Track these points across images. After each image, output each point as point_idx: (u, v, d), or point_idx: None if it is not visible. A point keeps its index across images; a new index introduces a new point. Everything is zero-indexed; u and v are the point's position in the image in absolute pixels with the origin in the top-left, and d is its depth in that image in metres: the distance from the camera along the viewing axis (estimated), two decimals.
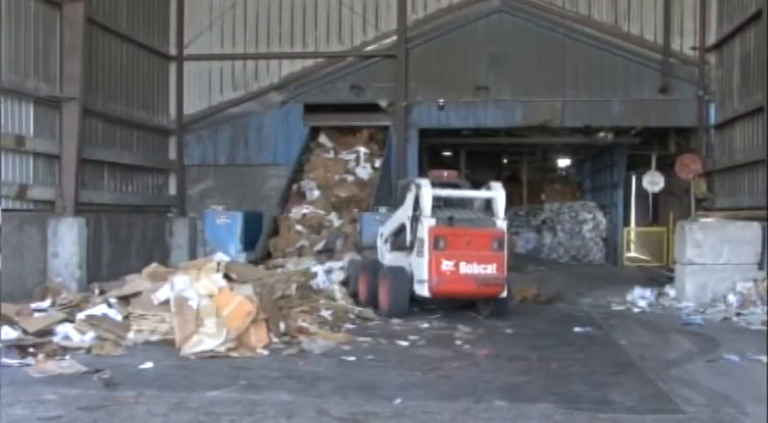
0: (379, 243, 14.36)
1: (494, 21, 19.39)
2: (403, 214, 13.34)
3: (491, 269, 12.21)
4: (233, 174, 20.06)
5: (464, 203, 13.62)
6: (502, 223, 12.79)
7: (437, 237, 12.21)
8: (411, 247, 12.78)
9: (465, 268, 12.11)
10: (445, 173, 14.29)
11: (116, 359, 9.17)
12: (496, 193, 13.08)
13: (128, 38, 17.81)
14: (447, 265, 12.09)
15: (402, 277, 12.68)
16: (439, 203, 13.04)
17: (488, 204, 13.29)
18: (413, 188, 13.01)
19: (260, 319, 9.89)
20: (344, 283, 14.61)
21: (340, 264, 15.65)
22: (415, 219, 12.73)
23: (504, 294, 12.55)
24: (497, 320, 12.37)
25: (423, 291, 12.27)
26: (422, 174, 20.93)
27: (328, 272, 15.21)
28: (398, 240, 13.65)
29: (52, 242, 14.49)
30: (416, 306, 12.98)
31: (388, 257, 13.89)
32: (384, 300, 12.71)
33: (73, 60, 15.10)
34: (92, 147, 16.13)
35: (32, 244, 14.07)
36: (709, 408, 7.20)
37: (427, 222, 12.30)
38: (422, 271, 12.24)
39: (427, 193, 12.53)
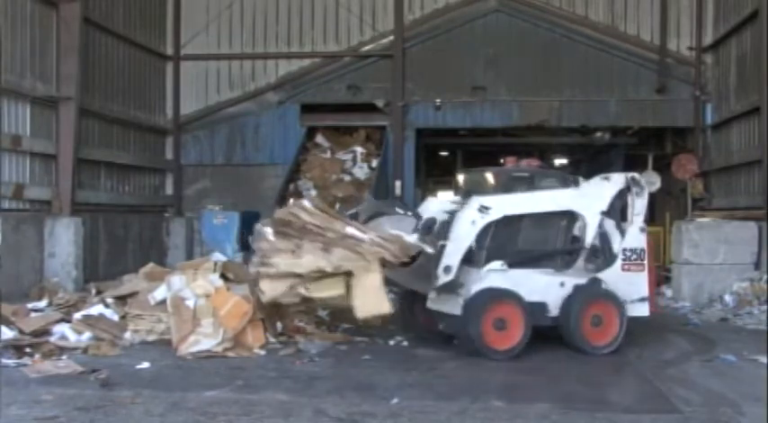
0: (454, 256, 9.37)
1: (491, 21, 19.37)
2: (575, 207, 10.15)
3: None
4: (230, 174, 20.02)
5: None
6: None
7: (650, 246, 10.47)
8: (610, 261, 10.15)
9: None
10: (530, 162, 11.45)
11: (113, 359, 9.17)
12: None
13: (124, 38, 17.76)
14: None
15: None
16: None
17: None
18: (614, 180, 10.45)
19: (257, 318, 9.90)
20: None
21: None
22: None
23: None
24: None
25: (640, 310, 10.23)
26: (418, 173, 21.01)
27: None
28: (526, 251, 10.08)
29: (49, 242, 14.46)
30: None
31: (495, 277, 9.60)
32: None
33: (69, 60, 15.07)
34: (88, 147, 16.09)
35: (29, 244, 14.04)
36: (705, 408, 7.23)
37: (640, 228, 10.32)
38: (640, 287, 10.19)
39: (646, 195, 10.54)
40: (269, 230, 9.08)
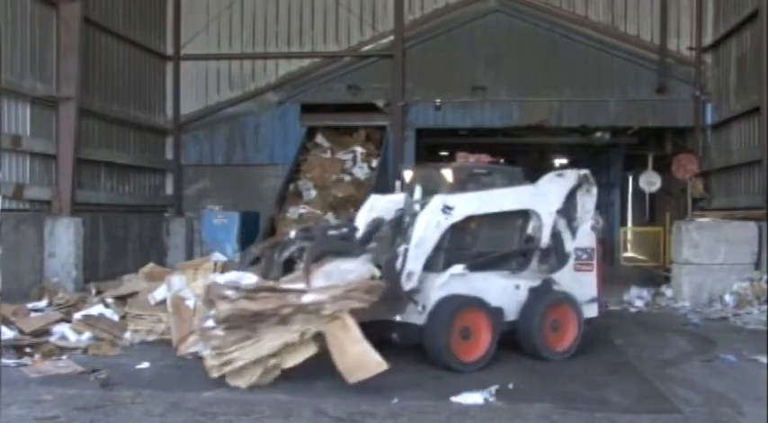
0: (418, 262, 8.74)
1: (491, 21, 19.37)
2: (539, 210, 9.81)
3: None
4: (230, 174, 20.03)
5: None
6: None
7: (598, 245, 10.21)
8: (562, 261, 9.90)
9: None
10: (480, 158, 10.92)
11: (113, 359, 9.17)
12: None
13: (124, 38, 17.76)
14: None
15: None
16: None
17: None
18: (569, 177, 10.29)
19: None
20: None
21: None
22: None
23: None
24: None
25: (590, 312, 9.94)
26: None
27: None
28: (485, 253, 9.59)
29: (49, 242, 14.45)
30: None
31: (457, 283, 9.04)
32: None
33: (69, 60, 15.07)
34: (88, 147, 16.09)
35: (29, 244, 14.04)
36: (705, 408, 7.23)
37: (591, 227, 10.13)
38: (590, 288, 9.97)
39: (595, 192, 10.42)
40: (210, 324, 8.05)
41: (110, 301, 11.23)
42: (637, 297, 15.09)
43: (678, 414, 7.07)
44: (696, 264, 14.27)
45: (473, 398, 7.39)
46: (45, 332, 9.98)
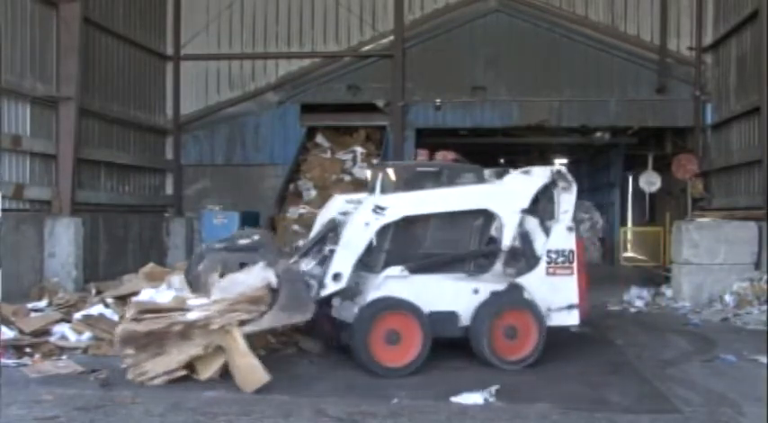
0: (345, 263, 8.65)
1: (491, 21, 19.38)
2: (503, 211, 9.21)
3: None
4: (230, 174, 20.04)
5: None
6: None
7: (580, 247, 9.45)
8: (532, 264, 9.23)
9: None
10: (446, 155, 10.51)
11: (113, 359, 9.13)
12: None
13: (124, 38, 17.77)
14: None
15: None
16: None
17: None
18: (538, 174, 9.46)
19: None
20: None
21: None
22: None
23: None
24: None
25: (567, 319, 9.30)
26: None
27: None
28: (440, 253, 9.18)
29: (49, 242, 14.45)
30: None
31: (393, 285, 8.76)
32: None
33: (69, 60, 15.08)
34: (89, 147, 16.10)
35: (29, 244, 14.04)
36: (705, 408, 7.23)
37: (568, 227, 9.37)
38: (568, 293, 9.22)
39: (574, 190, 9.56)
40: (118, 346, 8.18)
41: (110, 301, 11.22)
42: (637, 297, 15.08)
43: (678, 414, 7.07)
44: (696, 264, 14.27)
45: (473, 398, 7.39)
46: (45, 332, 9.97)
